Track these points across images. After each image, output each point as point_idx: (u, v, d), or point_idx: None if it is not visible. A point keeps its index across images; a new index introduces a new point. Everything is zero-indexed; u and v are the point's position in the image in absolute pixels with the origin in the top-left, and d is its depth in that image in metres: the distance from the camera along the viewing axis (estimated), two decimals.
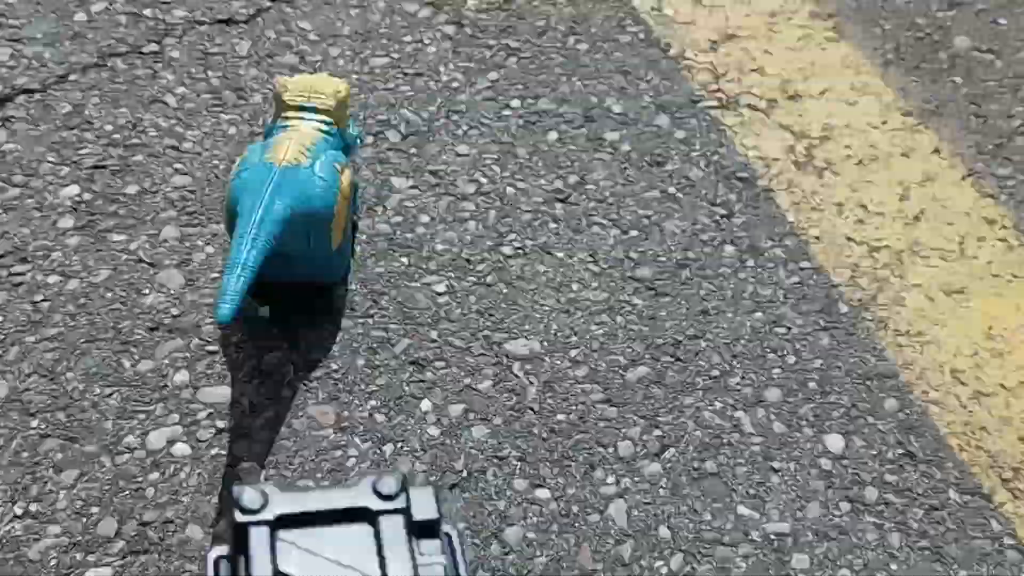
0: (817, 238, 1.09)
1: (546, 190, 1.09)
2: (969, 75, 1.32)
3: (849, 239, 1.09)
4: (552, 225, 1.06)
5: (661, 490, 0.87)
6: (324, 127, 0.92)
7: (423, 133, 1.13)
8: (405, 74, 1.19)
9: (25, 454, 0.84)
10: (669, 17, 1.32)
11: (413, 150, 1.10)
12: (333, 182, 0.87)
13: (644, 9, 1.33)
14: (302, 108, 0.92)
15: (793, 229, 1.09)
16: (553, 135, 1.15)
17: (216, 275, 0.96)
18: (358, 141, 0.99)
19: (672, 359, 0.96)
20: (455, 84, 1.19)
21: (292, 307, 0.93)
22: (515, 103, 1.18)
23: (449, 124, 1.14)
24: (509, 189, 1.09)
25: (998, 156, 1.21)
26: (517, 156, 1.12)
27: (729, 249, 1.06)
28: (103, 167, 1.04)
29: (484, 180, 1.09)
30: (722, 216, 1.09)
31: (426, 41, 1.23)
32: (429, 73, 1.20)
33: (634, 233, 1.06)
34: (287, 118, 0.92)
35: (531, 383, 0.92)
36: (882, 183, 1.16)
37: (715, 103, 1.22)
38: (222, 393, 0.89)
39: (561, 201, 1.08)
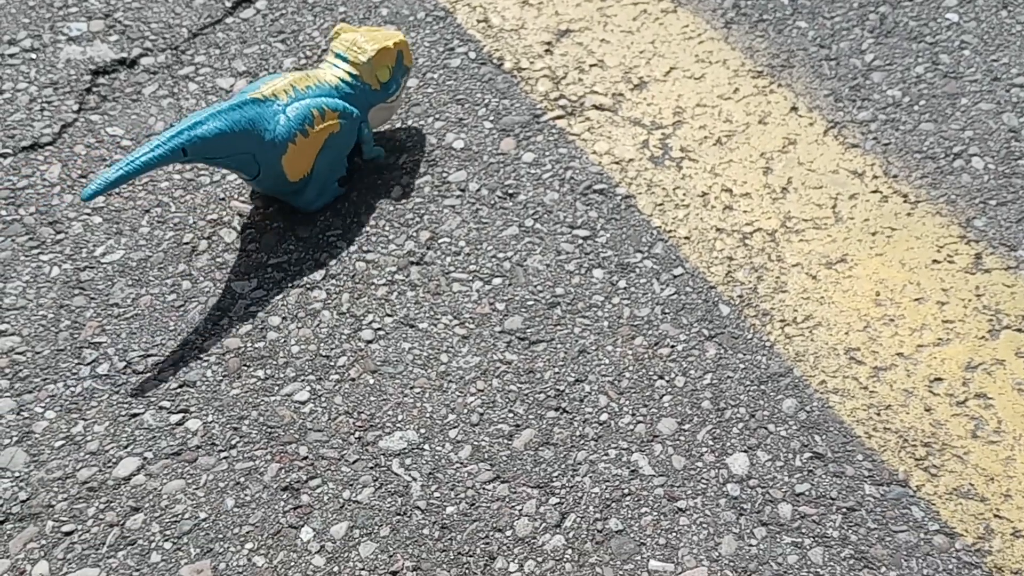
0: (687, 238, 1.04)
1: (398, 256, 1.03)
2: (814, 16, 1.26)
3: (719, 231, 1.04)
4: (410, 294, 1.00)
5: (567, 565, 0.82)
6: (348, 77, 1.03)
7: (258, 221, 1.06)
8: None
9: None
10: (497, 27, 1.26)
11: (253, 245, 1.04)
12: (298, 122, 0.97)
13: (470, 24, 1.26)
14: (337, 55, 1.04)
15: (660, 234, 1.04)
16: (397, 190, 1.09)
17: (62, 441, 0.90)
18: (392, 94, 1.07)
19: (557, 412, 0.91)
20: None
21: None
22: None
23: (285, 208, 1.07)
24: (359, 264, 1.02)
25: (856, 99, 1.16)
26: (362, 224, 1.06)
27: (598, 274, 1.01)
28: None
29: (332, 261, 1.03)
30: (585, 238, 1.04)
31: None
32: None
33: (497, 281, 1.01)
34: (324, 60, 1.04)
35: (414, 479, 0.87)
36: (743, 160, 1.11)
37: (559, 112, 1.16)
38: (87, 575, 0.82)
39: (416, 264, 1.02)
